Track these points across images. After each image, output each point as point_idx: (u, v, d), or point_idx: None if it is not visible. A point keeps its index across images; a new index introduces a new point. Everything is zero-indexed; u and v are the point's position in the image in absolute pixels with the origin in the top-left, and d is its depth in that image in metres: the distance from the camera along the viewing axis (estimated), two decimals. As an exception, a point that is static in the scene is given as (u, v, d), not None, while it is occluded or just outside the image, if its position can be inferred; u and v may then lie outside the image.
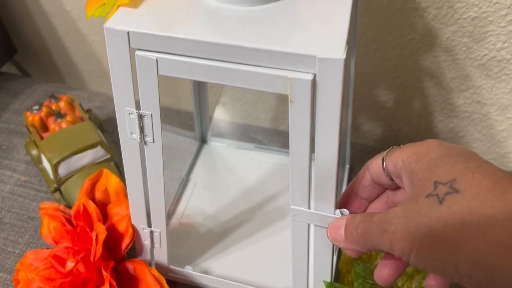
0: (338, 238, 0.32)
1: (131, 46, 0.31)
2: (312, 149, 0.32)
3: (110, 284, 0.41)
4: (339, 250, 0.48)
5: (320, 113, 0.30)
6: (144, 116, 0.34)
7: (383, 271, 0.32)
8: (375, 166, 0.33)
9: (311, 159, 0.32)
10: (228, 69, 0.30)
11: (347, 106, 0.51)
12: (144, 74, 0.32)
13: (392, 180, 0.32)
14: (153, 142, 0.36)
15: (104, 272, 0.41)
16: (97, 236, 0.42)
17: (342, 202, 0.36)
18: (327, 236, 0.33)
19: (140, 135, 0.35)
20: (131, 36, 0.31)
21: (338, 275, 0.46)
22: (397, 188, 0.34)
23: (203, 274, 0.45)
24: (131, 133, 0.35)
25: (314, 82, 0.28)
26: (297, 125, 0.31)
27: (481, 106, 0.58)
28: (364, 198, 0.36)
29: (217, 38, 0.29)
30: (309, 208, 0.34)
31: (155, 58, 0.31)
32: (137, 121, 0.34)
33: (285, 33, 0.30)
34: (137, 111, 0.34)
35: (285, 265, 0.47)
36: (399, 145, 0.32)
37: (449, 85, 0.57)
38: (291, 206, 0.35)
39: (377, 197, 0.35)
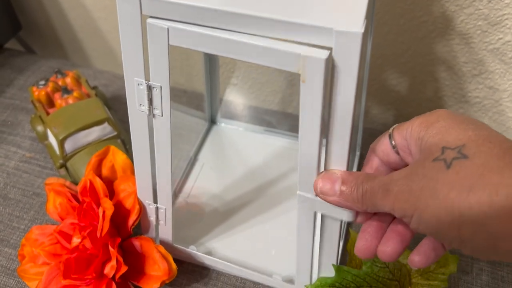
0: (329, 191, 0.31)
1: (142, 13, 0.30)
2: (323, 133, 0.31)
3: (117, 260, 0.40)
4: (347, 233, 0.48)
5: (334, 92, 0.29)
6: (153, 87, 0.33)
7: (386, 246, 0.31)
8: (381, 145, 0.32)
9: (321, 144, 0.31)
10: (240, 43, 0.29)
11: (361, 89, 0.50)
12: (155, 43, 0.31)
13: (399, 155, 0.32)
14: (162, 115, 0.35)
15: (111, 248, 0.41)
16: (104, 212, 0.41)
17: None
18: (314, 187, 0.32)
19: (149, 107, 0.34)
20: (142, 2, 0.30)
21: (346, 257, 0.46)
22: (405, 166, 0.33)
23: (207, 255, 0.45)
24: (140, 105, 0.35)
25: (328, 61, 0.27)
26: (308, 106, 0.30)
27: (493, 91, 0.57)
28: None
29: (231, 7, 0.29)
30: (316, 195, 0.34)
31: (166, 27, 0.30)
32: (146, 93, 0.33)
33: (302, 5, 0.29)
34: (146, 82, 0.33)
35: (289, 248, 0.46)
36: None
37: (461, 70, 0.56)
38: (298, 192, 0.34)
39: None
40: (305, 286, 0.40)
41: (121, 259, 0.40)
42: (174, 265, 0.41)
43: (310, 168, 0.32)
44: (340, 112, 0.30)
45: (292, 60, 0.28)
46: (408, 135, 0.30)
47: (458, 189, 0.24)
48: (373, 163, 0.33)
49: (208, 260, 0.45)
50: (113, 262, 0.40)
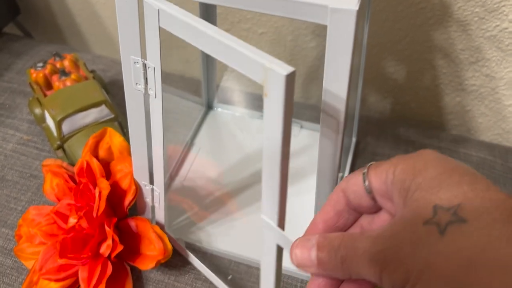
0: (307, 262, 0.26)
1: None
2: (287, 148, 0.27)
3: (113, 240, 0.41)
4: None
5: (328, 71, 0.29)
6: (149, 67, 0.34)
7: None
8: (353, 185, 0.27)
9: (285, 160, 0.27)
10: (216, 41, 0.27)
11: (357, 73, 0.51)
12: (149, 24, 0.31)
13: (374, 200, 0.27)
14: (155, 97, 0.35)
15: (107, 228, 0.41)
16: (100, 192, 0.42)
17: (309, 233, 0.30)
18: (291, 258, 0.27)
19: (145, 86, 0.34)
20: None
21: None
22: (376, 211, 0.29)
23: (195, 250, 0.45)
24: (136, 83, 0.35)
25: (290, 78, 0.24)
26: (270, 120, 0.26)
27: (490, 79, 0.57)
28: (336, 226, 0.29)
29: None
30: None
31: (157, 8, 0.30)
32: (142, 71, 0.34)
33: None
34: (142, 60, 0.33)
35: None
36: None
37: (458, 57, 0.56)
38: (262, 216, 0.31)
39: (351, 225, 0.30)
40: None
41: (117, 239, 0.41)
42: (169, 245, 0.42)
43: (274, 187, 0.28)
44: (333, 95, 0.30)
45: (258, 70, 0.25)
46: (389, 181, 0.25)
47: (455, 263, 0.21)
48: (338, 205, 0.29)
49: (199, 249, 0.45)
50: (109, 242, 0.41)
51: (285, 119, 0.25)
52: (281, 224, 0.29)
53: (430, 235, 0.22)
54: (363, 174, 0.27)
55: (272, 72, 0.24)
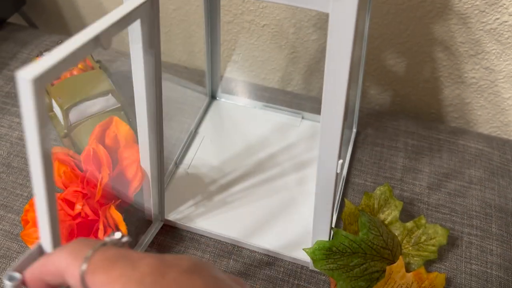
0: None
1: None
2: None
3: (104, 225, 0.42)
4: (342, 202, 0.49)
5: (329, 59, 0.30)
6: None
7: None
8: (72, 277, 0.24)
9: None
10: None
11: (359, 67, 0.52)
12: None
13: None
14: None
15: (101, 213, 0.42)
16: (102, 178, 0.43)
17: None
18: None
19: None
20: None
21: (340, 225, 0.47)
22: None
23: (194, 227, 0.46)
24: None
25: (38, 82, 0.24)
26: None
27: (489, 72, 0.58)
28: None
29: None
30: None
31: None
32: None
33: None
34: None
35: (284, 220, 0.48)
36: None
37: (458, 50, 0.57)
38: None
39: None
40: (303, 249, 0.42)
41: (105, 222, 0.42)
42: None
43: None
44: (334, 81, 0.31)
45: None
46: None
47: None
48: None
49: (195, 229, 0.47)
50: (100, 226, 0.42)
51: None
52: None
53: None
54: (80, 275, 0.24)
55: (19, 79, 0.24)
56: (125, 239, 0.26)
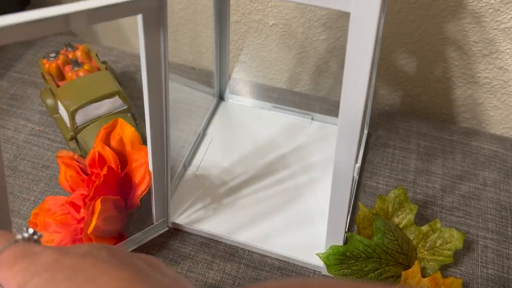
0: None
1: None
2: None
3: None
4: (355, 205, 0.48)
5: (349, 60, 0.29)
6: None
7: None
8: None
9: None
10: None
11: (373, 67, 0.50)
12: None
13: None
14: None
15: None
16: (99, 177, 0.42)
17: None
18: None
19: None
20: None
21: (354, 229, 0.46)
22: None
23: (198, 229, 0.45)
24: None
25: None
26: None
27: (503, 72, 0.57)
28: None
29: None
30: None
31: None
32: None
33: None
34: None
35: (294, 222, 0.47)
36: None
37: (471, 49, 0.56)
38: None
39: None
40: (316, 254, 0.41)
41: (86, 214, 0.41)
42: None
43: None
44: (354, 84, 0.30)
45: None
46: None
47: None
48: None
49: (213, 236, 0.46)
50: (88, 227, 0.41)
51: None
52: None
53: None
54: None
55: None
56: (37, 235, 0.26)
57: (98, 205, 0.41)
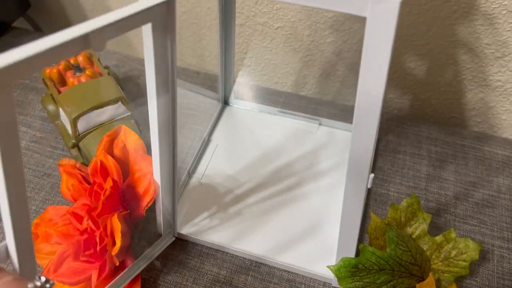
0: None
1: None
2: None
3: (100, 236, 0.39)
4: (367, 216, 0.47)
5: (365, 64, 0.28)
6: None
7: None
8: None
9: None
10: None
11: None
12: None
13: None
14: None
15: (100, 226, 0.40)
16: (105, 191, 0.40)
17: None
18: None
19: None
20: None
21: (366, 240, 0.45)
22: None
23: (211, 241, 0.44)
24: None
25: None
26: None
27: (516, 75, 0.55)
28: None
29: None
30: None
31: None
32: None
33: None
34: None
35: (301, 230, 0.46)
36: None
37: (483, 52, 0.55)
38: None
39: None
40: (327, 266, 0.39)
41: (103, 232, 0.39)
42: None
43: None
44: (370, 91, 0.28)
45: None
46: None
47: None
48: None
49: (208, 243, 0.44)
50: (97, 238, 0.39)
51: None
52: None
53: None
54: None
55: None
56: (49, 284, 0.25)
57: (117, 223, 0.39)
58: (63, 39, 0.24)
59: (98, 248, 0.40)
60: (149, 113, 0.36)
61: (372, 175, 0.32)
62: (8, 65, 0.21)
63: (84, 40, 0.25)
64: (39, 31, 0.77)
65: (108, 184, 0.41)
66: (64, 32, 0.24)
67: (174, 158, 0.39)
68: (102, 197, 0.40)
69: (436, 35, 0.55)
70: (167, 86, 0.34)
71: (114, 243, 0.40)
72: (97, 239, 0.40)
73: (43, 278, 0.24)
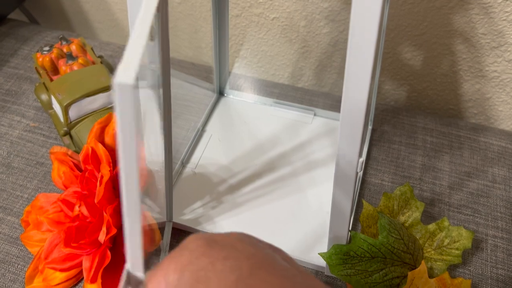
0: None
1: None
2: None
3: (108, 226, 0.39)
4: (359, 203, 0.47)
5: (352, 52, 0.27)
6: None
7: None
8: None
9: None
10: None
11: (377, 60, 0.49)
12: None
13: None
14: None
15: (105, 214, 0.40)
16: (102, 177, 0.40)
17: None
18: None
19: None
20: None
21: (358, 228, 0.45)
22: None
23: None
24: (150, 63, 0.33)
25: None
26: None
27: (512, 65, 0.55)
28: None
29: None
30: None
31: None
32: None
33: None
34: None
35: (295, 221, 0.45)
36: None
37: (479, 42, 0.54)
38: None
39: None
40: (319, 253, 0.39)
41: (111, 222, 0.39)
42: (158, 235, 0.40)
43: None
44: (356, 76, 0.28)
45: None
46: None
47: None
48: None
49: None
50: (104, 228, 0.39)
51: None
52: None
53: None
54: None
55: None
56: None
57: (115, 210, 0.40)
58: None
59: (92, 236, 0.40)
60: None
61: (361, 159, 0.32)
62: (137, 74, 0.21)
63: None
64: (35, 23, 0.77)
65: (106, 169, 0.41)
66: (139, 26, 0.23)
67: (169, 145, 0.39)
68: (100, 185, 0.40)
69: (432, 25, 0.55)
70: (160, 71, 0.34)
71: (109, 231, 0.40)
72: (91, 227, 0.40)
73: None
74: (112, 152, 0.44)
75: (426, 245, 0.42)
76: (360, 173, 0.50)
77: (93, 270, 0.39)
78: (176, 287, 0.21)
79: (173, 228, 0.46)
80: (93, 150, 0.43)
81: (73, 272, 0.41)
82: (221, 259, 0.21)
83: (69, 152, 0.45)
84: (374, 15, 0.25)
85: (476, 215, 0.47)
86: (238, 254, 0.22)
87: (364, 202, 0.43)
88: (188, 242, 0.23)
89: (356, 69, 0.28)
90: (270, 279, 0.21)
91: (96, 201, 0.40)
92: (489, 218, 0.47)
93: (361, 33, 0.26)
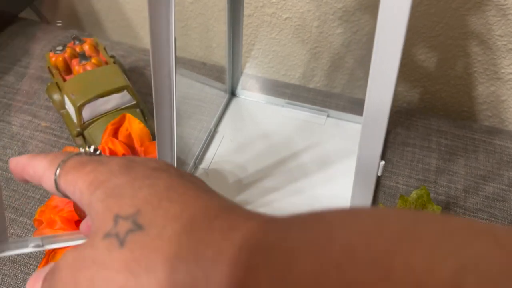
0: None
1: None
2: None
3: None
4: (373, 205, 0.46)
5: (377, 55, 0.27)
6: None
7: None
8: (47, 181, 0.24)
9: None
10: None
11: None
12: None
13: None
14: None
15: None
16: None
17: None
18: None
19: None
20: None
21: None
22: None
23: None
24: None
25: None
26: None
27: (529, 67, 0.54)
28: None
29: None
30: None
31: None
32: None
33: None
34: None
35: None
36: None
37: (496, 44, 0.54)
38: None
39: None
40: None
41: None
42: None
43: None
44: (381, 79, 0.28)
45: None
46: (77, 196, 0.22)
47: (132, 272, 0.19)
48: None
49: None
50: None
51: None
52: None
53: (110, 249, 0.19)
54: (55, 179, 0.24)
55: None
56: (98, 152, 0.26)
57: None
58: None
59: None
60: (154, 97, 0.35)
61: (382, 162, 0.31)
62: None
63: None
64: (45, 22, 0.77)
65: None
66: None
67: (173, 145, 0.39)
68: None
69: (447, 26, 0.55)
70: (170, 69, 0.34)
71: None
72: None
73: (92, 147, 0.26)
74: (127, 152, 0.44)
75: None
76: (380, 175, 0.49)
77: None
78: (90, 201, 0.21)
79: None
80: (110, 150, 0.42)
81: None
82: (140, 178, 0.22)
83: (82, 153, 0.45)
84: (402, 20, 0.25)
85: (493, 219, 0.46)
86: (158, 173, 0.22)
87: (381, 206, 0.43)
88: (110, 160, 0.23)
89: (381, 72, 0.27)
90: (186, 191, 0.21)
91: None
92: (506, 223, 0.46)
93: (388, 37, 0.26)
